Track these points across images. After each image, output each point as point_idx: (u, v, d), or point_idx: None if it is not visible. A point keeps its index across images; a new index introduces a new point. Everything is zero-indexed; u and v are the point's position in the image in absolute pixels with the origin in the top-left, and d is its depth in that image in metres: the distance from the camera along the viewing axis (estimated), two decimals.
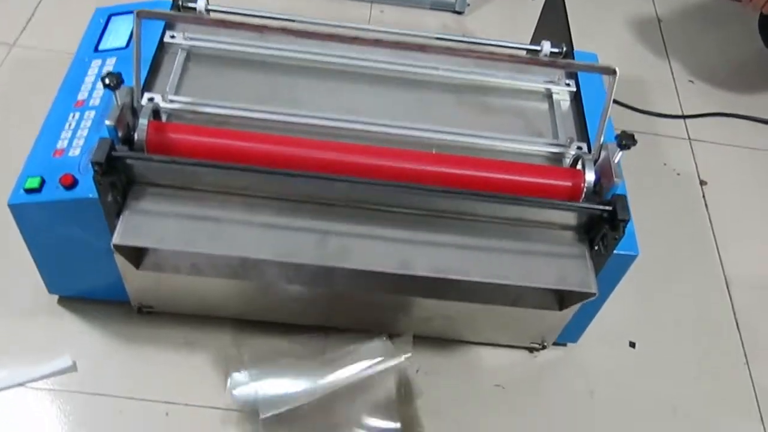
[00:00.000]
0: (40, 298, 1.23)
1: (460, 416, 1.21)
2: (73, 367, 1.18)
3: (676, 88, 1.80)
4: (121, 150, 0.97)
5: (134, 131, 1.00)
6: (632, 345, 1.34)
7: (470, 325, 1.24)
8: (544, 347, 1.28)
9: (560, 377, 1.28)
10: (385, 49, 1.10)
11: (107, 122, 0.96)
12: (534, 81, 1.26)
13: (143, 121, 1.01)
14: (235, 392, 1.15)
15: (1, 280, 1.26)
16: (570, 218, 1.05)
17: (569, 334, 1.27)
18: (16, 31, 1.68)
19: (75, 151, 1.06)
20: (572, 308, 1.13)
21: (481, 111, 1.21)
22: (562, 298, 1.14)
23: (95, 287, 1.21)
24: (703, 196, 1.58)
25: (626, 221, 0.99)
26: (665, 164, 1.63)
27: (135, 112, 1.02)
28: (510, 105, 1.23)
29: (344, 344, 1.24)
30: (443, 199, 1.03)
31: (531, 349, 1.30)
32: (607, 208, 1.01)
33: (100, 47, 1.21)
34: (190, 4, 1.27)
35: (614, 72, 1.06)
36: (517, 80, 1.25)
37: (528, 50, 1.37)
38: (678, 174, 1.62)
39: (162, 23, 1.21)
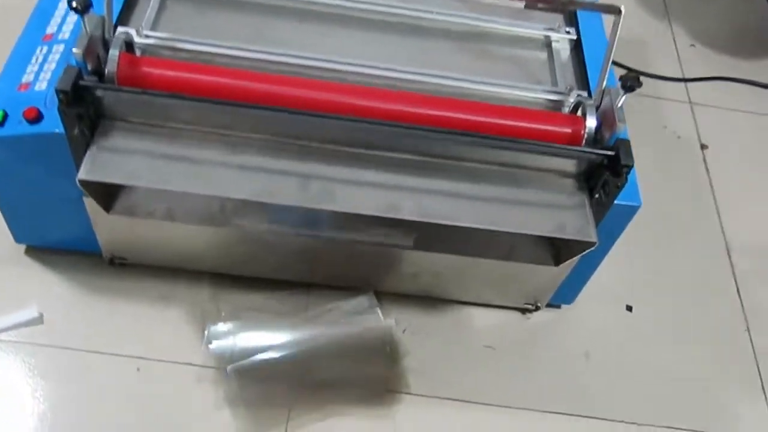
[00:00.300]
0: (6, 248, 1.16)
1: (448, 377, 1.15)
2: (39, 319, 1.11)
3: (677, 51, 1.74)
4: (90, 80, 0.90)
5: (104, 64, 0.93)
6: (629, 308, 1.28)
7: (460, 283, 1.18)
8: (537, 308, 1.23)
9: (554, 339, 1.22)
10: None
11: (74, 50, 0.89)
12: (533, 28, 1.19)
13: (114, 52, 0.93)
14: (212, 346, 1.09)
15: None
16: (569, 164, 0.99)
17: (564, 295, 1.21)
18: None
19: (41, 85, 0.99)
20: (569, 264, 1.08)
21: (477, 57, 1.15)
22: (558, 253, 1.08)
23: (65, 236, 1.14)
24: (704, 160, 1.53)
25: (630, 167, 0.93)
26: (665, 127, 1.57)
27: (106, 44, 0.95)
28: (507, 52, 1.16)
29: (327, 301, 1.18)
30: (434, 140, 0.96)
31: (524, 311, 1.24)
32: (609, 153, 0.95)
33: None
34: None
35: (619, 11, 1.00)
36: (516, 27, 1.19)
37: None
38: (678, 137, 1.56)
39: None
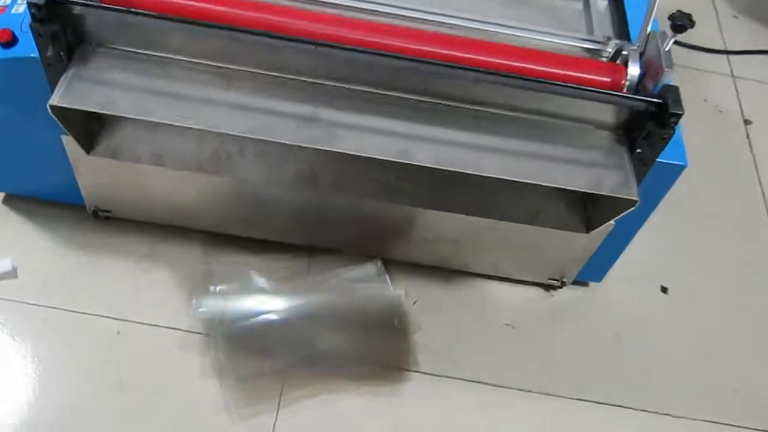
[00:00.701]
0: None
1: (461, 356, 1.04)
2: (12, 273, 1.01)
3: (719, 22, 1.61)
4: None
5: None
6: (664, 290, 1.16)
7: (478, 252, 1.06)
8: (562, 285, 1.11)
9: (581, 319, 1.10)
10: None
11: None
12: None
13: None
14: (201, 308, 0.98)
15: None
16: (607, 114, 0.87)
17: (592, 272, 1.09)
18: None
19: (19, 8, 0.89)
20: (602, 230, 0.96)
21: (506, 4, 1.03)
22: (590, 218, 0.96)
23: (46, 184, 1.04)
24: (747, 136, 1.40)
25: (679, 115, 0.81)
26: (706, 100, 1.45)
27: None
28: (539, 0, 1.05)
29: (330, 267, 1.07)
30: (454, 79, 0.84)
31: (548, 287, 1.12)
32: (655, 100, 0.83)
33: None
34: None
35: None
36: None
37: None
38: (720, 111, 1.43)
39: None
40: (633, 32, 0.98)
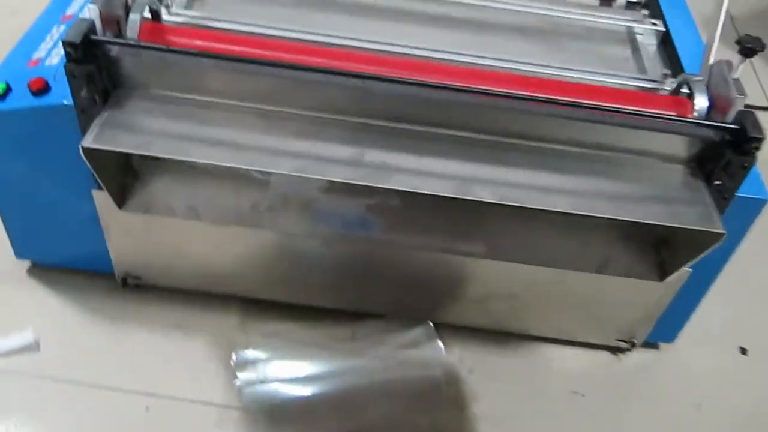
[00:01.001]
0: (7, 265, 1.00)
1: (526, 427, 0.93)
2: (34, 346, 0.93)
3: None
4: (104, 36, 0.76)
5: (124, 32, 0.80)
6: (743, 351, 1.05)
7: (540, 311, 0.97)
8: (632, 346, 1.01)
9: (655, 385, 1.00)
10: None
11: (90, 5, 0.76)
12: (613, 20, 1.04)
13: (134, 17, 0.80)
14: (237, 381, 0.89)
15: None
16: (679, 145, 0.81)
17: (664, 331, 1.00)
18: None
19: (52, 60, 0.86)
20: (677, 279, 0.87)
21: (556, 50, 0.98)
22: (663, 265, 0.88)
23: (72, 250, 0.98)
24: None
25: (761, 140, 0.75)
26: None
27: (127, 10, 0.81)
28: (588, 45, 1.00)
29: (376, 332, 0.98)
30: (523, 115, 0.78)
31: (616, 350, 1.02)
32: (732, 126, 0.76)
33: None
34: None
35: None
36: (595, 18, 1.04)
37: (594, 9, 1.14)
38: None
39: None
40: (688, 69, 0.93)
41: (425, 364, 0.96)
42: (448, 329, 0.99)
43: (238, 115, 0.79)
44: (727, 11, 0.83)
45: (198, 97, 0.80)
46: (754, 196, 0.81)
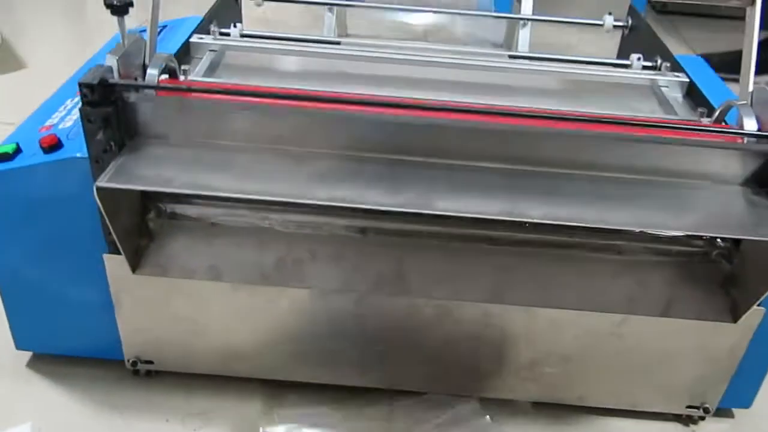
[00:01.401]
0: (6, 358, 0.91)
1: None
2: None
3: None
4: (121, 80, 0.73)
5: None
6: None
7: (596, 374, 0.86)
8: (705, 414, 0.89)
9: None
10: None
11: (108, 55, 0.73)
12: (636, 76, 1.03)
13: (153, 72, 0.77)
14: None
15: None
16: (737, 165, 0.75)
17: (739, 393, 0.89)
18: None
19: (66, 124, 0.83)
20: (751, 323, 0.78)
21: (582, 106, 0.95)
22: (734, 304, 0.79)
23: (77, 334, 0.89)
24: None
25: None
26: None
27: (144, 69, 0.79)
28: (617, 101, 0.98)
29: (417, 410, 0.87)
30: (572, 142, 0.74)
31: (687, 420, 0.91)
32: None
33: None
34: (224, 30, 1.10)
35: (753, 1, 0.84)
36: (618, 74, 1.02)
37: (616, 65, 1.14)
38: None
39: (192, 27, 1.03)
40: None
41: None
42: (496, 404, 0.89)
43: (261, 154, 0.74)
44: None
45: (216, 142, 0.75)
46: None
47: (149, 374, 0.90)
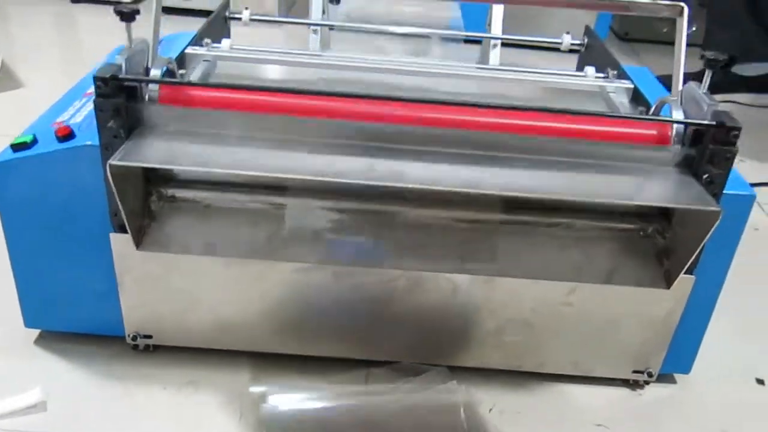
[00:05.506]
0: (15, 334, 0.99)
1: None
2: (41, 406, 0.90)
3: None
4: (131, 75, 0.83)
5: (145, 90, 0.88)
6: (760, 382, 1.04)
7: (553, 341, 0.96)
8: (650, 377, 0.99)
9: (677, 419, 0.97)
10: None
11: (117, 57, 0.84)
12: (588, 82, 1.15)
13: (155, 71, 0.88)
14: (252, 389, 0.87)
15: None
16: (666, 152, 0.87)
17: (679, 360, 0.99)
18: None
19: (76, 119, 0.93)
20: (683, 291, 0.89)
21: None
22: (668, 273, 0.90)
23: (84, 311, 0.97)
24: None
25: (739, 129, 0.81)
26: None
27: (147, 72, 0.90)
28: (570, 103, 1.10)
29: (391, 376, 0.97)
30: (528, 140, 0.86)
31: (634, 384, 1.01)
32: (710, 122, 0.83)
33: None
34: (215, 44, 1.20)
35: (681, 11, 0.96)
36: (572, 81, 1.14)
37: (573, 75, 1.27)
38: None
39: (185, 41, 1.14)
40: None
41: (441, 402, 0.94)
42: (465, 372, 0.98)
43: (254, 140, 0.84)
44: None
45: (215, 131, 0.86)
46: (741, 192, 0.87)
47: (147, 348, 0.99)
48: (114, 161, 0.77)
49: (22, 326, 0.98)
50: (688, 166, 0.87)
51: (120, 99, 0.81)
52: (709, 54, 0.89)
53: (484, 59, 1.95)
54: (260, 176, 0.84)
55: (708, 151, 0.83)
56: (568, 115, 0.90)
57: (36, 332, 1.01)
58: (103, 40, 2.13)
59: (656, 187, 0.84)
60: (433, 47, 1.98)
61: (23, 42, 2.16)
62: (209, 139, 0.84)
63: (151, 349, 0.99)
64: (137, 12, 0.87)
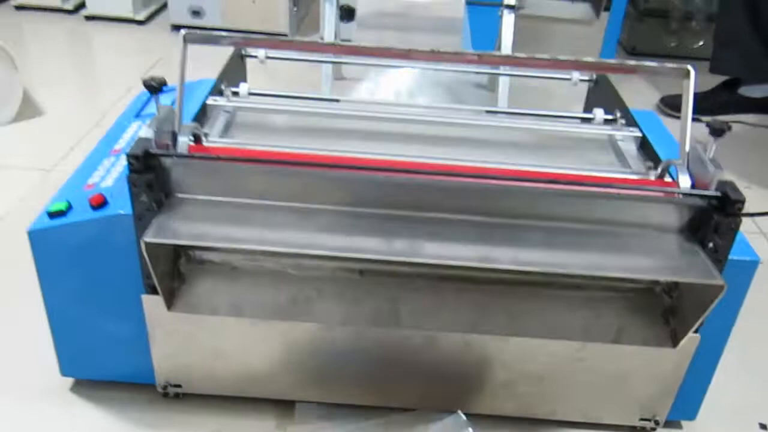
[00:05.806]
0: (51, 382, 1.05)
1: None
2: None
3: None
4: (160, 150, 0.87)
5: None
6: (763, 427, 1.08)
7: (565, 392, 1.01)
8: (656, 425, 1.04)
9: None
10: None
11: (146, 125, 0.88)
12: (597, 131, 1.18)
13: (183, 139, 0.92)
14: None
15: (5, 358, 1.10)
16: (671, 216, 0.91)
17: (685, 407, 1.03)
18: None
19: (107, 182, 0.97)
20: (689, 346, 0.93)
21: (548, 158, 1.11)
22: (674, 333, 0.94)
23: (117, 361, 1.02)
24: None
25: (742, 202, 0.85)
26: None
27: (174, 136, 0.94)
28: (578, 153, 1.14)
29: (408, 422, 1.01)
30: (527, 196, 0.90)
31: (641, 431, 1.05)
32: (715, 194, 0.87)
33: (142, 113, 1.17)
34: (233, 89, 1.24)
35: (688, 72, 0.99)
36: (580, 130, 1.18)
37: (581, 118, 1.30)
38: None
39: (205, 89, 1.18)
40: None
41: None
42: (478, 419, 1.03)
43: (278, 212, 0.89)
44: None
45: (239, 200, 0.90)
46: (745, 258, 0.90)
47: (177, 396, 1.04)
48: (148, 239, 0.82)
49: (59, 374, 1.03)
50: (694, 232, 0.90)
51: (152, 174, 0.85)
52: (715, 124, 0.92)
53: (492, 82, 1.99)
54: None
55: (713, 221, 0.87)
56: (579, 177, 0.94)
57: (71, 380, 1.06)
58: (117, 60, 2.17)
59: (663, 259, 0.87)
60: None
61: (41, 64, 2.20)
62: (235, 209, 0.88)
63: (180, 397, 1.04)
64: (165, 84, 0.91)
